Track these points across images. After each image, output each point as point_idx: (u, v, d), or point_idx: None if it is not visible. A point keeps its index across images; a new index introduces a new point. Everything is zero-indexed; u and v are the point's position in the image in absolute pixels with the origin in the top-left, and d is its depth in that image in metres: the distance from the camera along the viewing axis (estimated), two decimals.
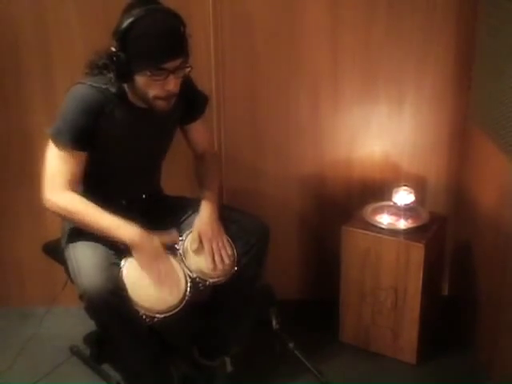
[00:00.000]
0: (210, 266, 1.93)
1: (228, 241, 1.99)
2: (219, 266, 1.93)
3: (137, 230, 1.82)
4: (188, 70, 1.83)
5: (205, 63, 2.38)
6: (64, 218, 1.89)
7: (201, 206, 2.02)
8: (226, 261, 1.94)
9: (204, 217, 1.99)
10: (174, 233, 1.96)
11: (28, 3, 2.30)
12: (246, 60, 2.41)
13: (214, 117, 2.45)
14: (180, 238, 1.97)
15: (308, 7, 2.35)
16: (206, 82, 2.35)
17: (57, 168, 1.83)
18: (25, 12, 2.31)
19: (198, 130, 2.13)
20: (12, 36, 2.34)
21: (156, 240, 1.86)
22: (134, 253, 1.82)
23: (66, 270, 1.96)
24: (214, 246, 1.94)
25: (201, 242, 1.95)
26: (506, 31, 1.98)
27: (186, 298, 1.86)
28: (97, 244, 1.84)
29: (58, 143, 1.83)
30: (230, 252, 1.96)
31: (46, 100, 2.39)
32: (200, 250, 1.95)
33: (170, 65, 1.75)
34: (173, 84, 1.79)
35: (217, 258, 1.93)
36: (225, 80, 2.42)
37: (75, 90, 1.84)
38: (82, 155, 1.85)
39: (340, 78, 2.43)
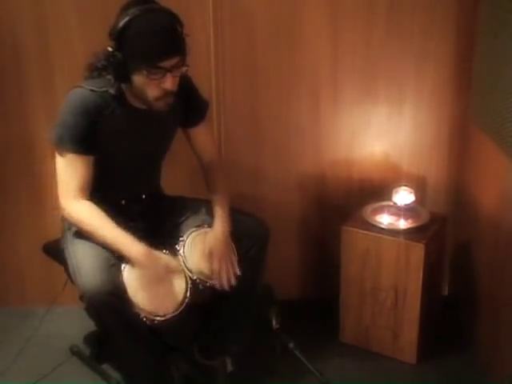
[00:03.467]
0: (218, 286, 1.92)
1: (235, 254, 1.98)
2: (225, 286, 1.92)
3: (144, 249, 1.82)
4: (185, 68, 1.83)
5: (205, 63, 2.38)
6: (77, 226, 1.89)
7: (214, 220, 1.99)
8: (233, 282, 1.93)
9: (218, 233, 1.97)
10: (165, 253, 1.93)
11: (28, 4, 2.30)
12: (245, 60, 2.41)
13: (214, 117, 2.45)
14: (181, 239, 1.97)
15: (308, 7, 2.35)
16: (206, 82, 2.35)
17: (66, 175, 1.84)
18: (25, 13, 2.31)
19: (202, 137, 2.11)
20: (12, 37, 2.34)
21: (162, 262, 1.86)
22: (137, 269, 1.82)
23: (66, 270, 1.96)
24: (224, 266, 1.93)
25: (211, 256, 1.94)
26: (506, 31, 1.98)
27: (187, 299, 1.86)
28: (97, 245, 1.84)
29: (61, 150, 1.83)
30: (238, 273, 1.95)
31: (46, 101, 2.39)
32: (208, 265, 1.94)
33: (167, 63, 1.75)
34: (170, 83, 1.78)
35: (224, 277, 1.93)
36: (225, 80, 2.42)
37: (73, 94, 1.84)
38: (89, 159, 1.86)
39: (340, 77, 2.43)
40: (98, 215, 1.84)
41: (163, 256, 1.89)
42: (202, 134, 2.11)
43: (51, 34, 2.33)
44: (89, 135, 1.82)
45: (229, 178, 2.49)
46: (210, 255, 1.94)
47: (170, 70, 1.76)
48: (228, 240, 1.98)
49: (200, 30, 2.34)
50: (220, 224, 1.98)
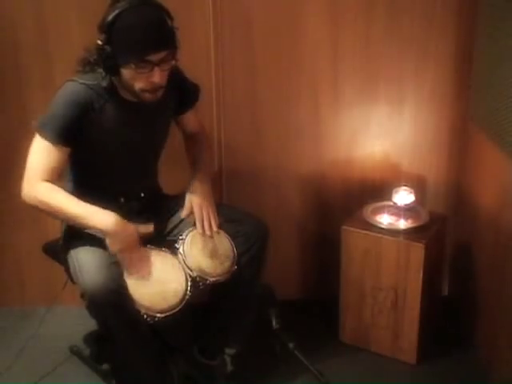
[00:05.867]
0: (200, 230, 1.97)
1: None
2: (207, 231, 1.97)
3: (112, 216, 1.81)
4: (173, 62, 1.83)
5: (205, 63, 2.38)
6: (41, 210, 1.85)
7: (193, 177, 2.07)
8: (214, 227, 1.98)
9: (195, 185, 2.04)
10: (150, 226, 1.97)
11: (28, 2, 2.30)
12: (245, 60, 2.41)
13: (214, 117, 2.45)
14: (180, 237, 1.97)
15: (308, 7, 2.35)
16: (206, 82, 2.35)
17: (37, 161, 1.84)
18: (25, 12, 2.31)
19: (191, 120, 2.18)
20: (12, 36, 2.34)
21: (131, 228, 1.85)
22: (107, 239, 1.80)
23: (66, 270, 1.96)
24: (204, 213, 1.99)
25: (192, 211, 2.00)
26: (506, 31, 1.98)
27: (187, 297, 1.86)
28: (97, 243, 1.84)
29: (41, 135, 1.83)
30: (219, 221, 2.00)
31: (46, 100, 2.35)
32: (190, 217, 2.00)
33: (155, 57, 1.76)
34: (158, 76, 1.79)
35: (206, 224, 1.98)
36: (225, 80, 2.42)
37: (65, 87, 1.86)
38: (65, 151, 1.85)
39: (340, 77, 2.43)
40: (59, 193, 1.82)
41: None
42: (191, 118, 2.17)
43: (51, 33, 2.33)
44: (71, 129, 1.82)
45: (227, 175, 2.51)
46: (189, 206, 2.01)
47: (157, 63, 1.77)
48: (207, 192, 2.04)
49: (200, 29, 2.34)
50: (198, 179, 2.06)
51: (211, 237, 1.98)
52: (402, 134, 2.50)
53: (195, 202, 2.01)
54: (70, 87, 1.85)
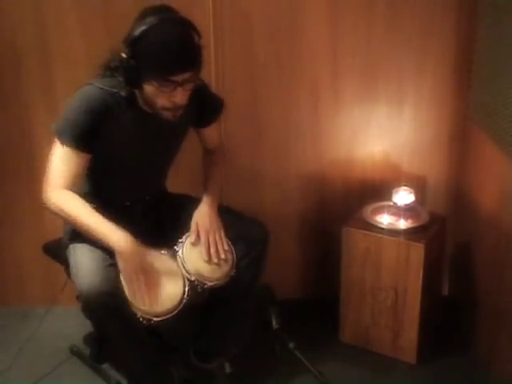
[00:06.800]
0: (206, 258, 1.93)
1: (227, 240, 1.99)
2: (214, 259, 1.93)
3: (126, 238, 1.79)
4: (198, 83, 1.82)
5: (205, 63, 2.37)
6: (60, 216, 1.86)
7: (203, 198, 2.03)
8: (222, 255, 1.94)
9: (203, 209, 2.01)
10: (163, 252, 1.92)
11: (28, 3, 2.30)
12: (245, 60, 2.41)
13: None
14: (180, 240, 1.97)
15: (308, 7, 2.35)
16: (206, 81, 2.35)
17: (59, 165, 1.83)
18: (25, 12, 2.31)
19: (213, 134, 2.15)
20: (12, 36, 2.33)
21: (144, 253, 1.83)
22: (118, 259, 1.79)
23: (66, 270, 1.96)
24: (211, 239, 1.95)
25: (198, 234, 1.96)
26: (506, 31, 1.98)
27: (184, 300, 1.85)
28: (96, 245, 1.84)
29: (61, 141, 1.82)
30: (226, 247, 1.96)
31: (46, 100, 2.40)
32: (197, 243, 1.96)
33: (178, 77, 1.73)
34: (180, 96, 1.77)
35: (212, 250, 1.94)
36: (225, 80, 2.42)
37: (83, 90, 1.83)
38: (84, 156, 1.84)
39: (340, 77, 2.43)
40: (78, 203, 1.81)
41: (145, 249, 1.84)
42: (213, 132, 2.15)
43: (51, 34, 2.33)
44: (90, 133, 1.82)
45: (228, 176, 2.51)
46: (196, 229, 1.96)
47: (181, 84, 1.75)
48: (214, 215, 2.00)
49: (200, 29, 2.33)
50: (207, 200, 2.02)
51: (218, 264, 1.95)
52: (402, 134, 2.50)
53: (202, 229, 1.96)
54: (88, 91, 1.83)
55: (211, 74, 2.39)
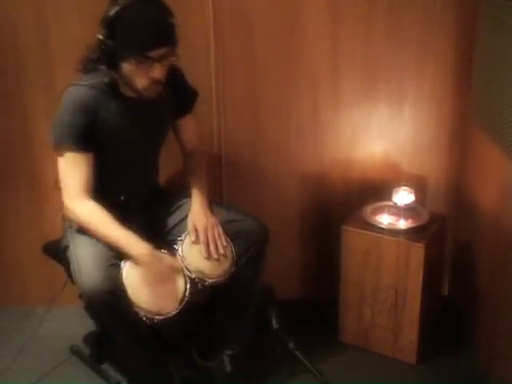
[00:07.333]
0: (205, 255, 1.94)
1: (225, 236, 2.00)
2: (214, 255, 1.94)
3: (147, 248, 1.85)
4: (173, 58, 1.84)
5: (205, 63, 2.38)
6: (81, 226, 1.91)
7: (192, 197, 2.05)
8: (221, 250, 1.95)
9: (196, 207, 2.03)
10: (164, 252, 1.94)
11: (29, 3, 2.30)
12: (246, 60, 2.41)
13: (214, 117, 2.45)
14: (179, 238, 1.97)
15: (308, 7, 2.35)
16: (206, 81, 2.35)
17: (68, 175, 1.87)
18: (25, 12, 2.31)
19: (188, 127, 2.15)
20: (12, 36, 2.34)
21: (165, 261, 1.88)
22: (140, 268, 1.84)
23: (66, 270, 1.96)
24: (209, 236, 1.96)
25: (197, 232, 1.97)
26: (506, 31, 1.98)
27: (186, 299, 1.86)
28: (97, 244, 1.85)
29: (61, 150, 1.85)
30: (225, 243, 1.98)
31: (46, 101, 2.39)
32: (197, 241, 1.97)
33: (155, 53, 1.78)
34: (158, 71, 1.81)
35: (212, 247, 1.95)
36: (225, 80, 2.42)
37: (68, 93, 1.86)
38: (88, 156, 1.87)
39: (340, 77, 2.43)
40: (101, 215, 1.86)
41: (166, 256, 1.90)
42: (188, 124, 2.15)
43: (51, 34, 2.33)
44: (87, 133, 1.84)
45: (228, 176, 2.51)
46: (193, 228, 1.98)
47: (158, 59, 1.79)
48: (208, 210, 2.02)
49: (200, 29, 2.34)
50: (196, 198, 2.04)
51: (217, 260, 1.96)
52: (402, 134, 2.50)
53: (200, 228, 1.98)
54: (73, 92, 1.86)
55: (211, 74, 2.39)
